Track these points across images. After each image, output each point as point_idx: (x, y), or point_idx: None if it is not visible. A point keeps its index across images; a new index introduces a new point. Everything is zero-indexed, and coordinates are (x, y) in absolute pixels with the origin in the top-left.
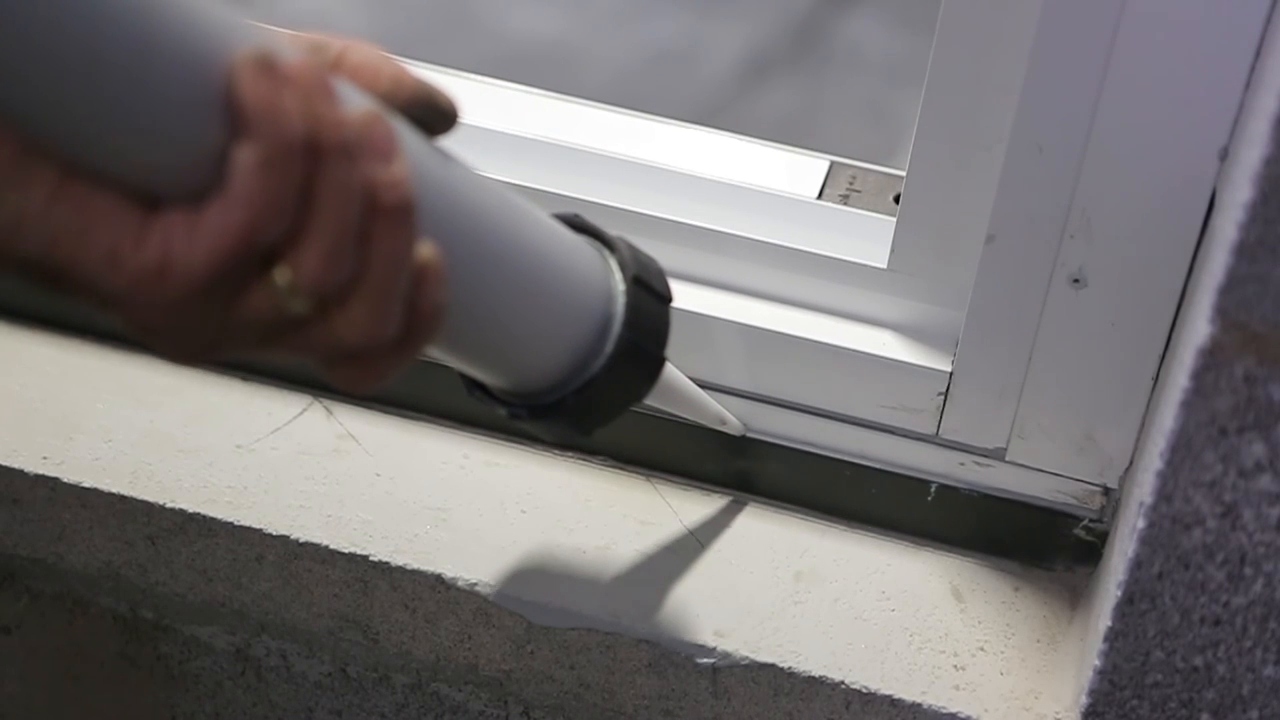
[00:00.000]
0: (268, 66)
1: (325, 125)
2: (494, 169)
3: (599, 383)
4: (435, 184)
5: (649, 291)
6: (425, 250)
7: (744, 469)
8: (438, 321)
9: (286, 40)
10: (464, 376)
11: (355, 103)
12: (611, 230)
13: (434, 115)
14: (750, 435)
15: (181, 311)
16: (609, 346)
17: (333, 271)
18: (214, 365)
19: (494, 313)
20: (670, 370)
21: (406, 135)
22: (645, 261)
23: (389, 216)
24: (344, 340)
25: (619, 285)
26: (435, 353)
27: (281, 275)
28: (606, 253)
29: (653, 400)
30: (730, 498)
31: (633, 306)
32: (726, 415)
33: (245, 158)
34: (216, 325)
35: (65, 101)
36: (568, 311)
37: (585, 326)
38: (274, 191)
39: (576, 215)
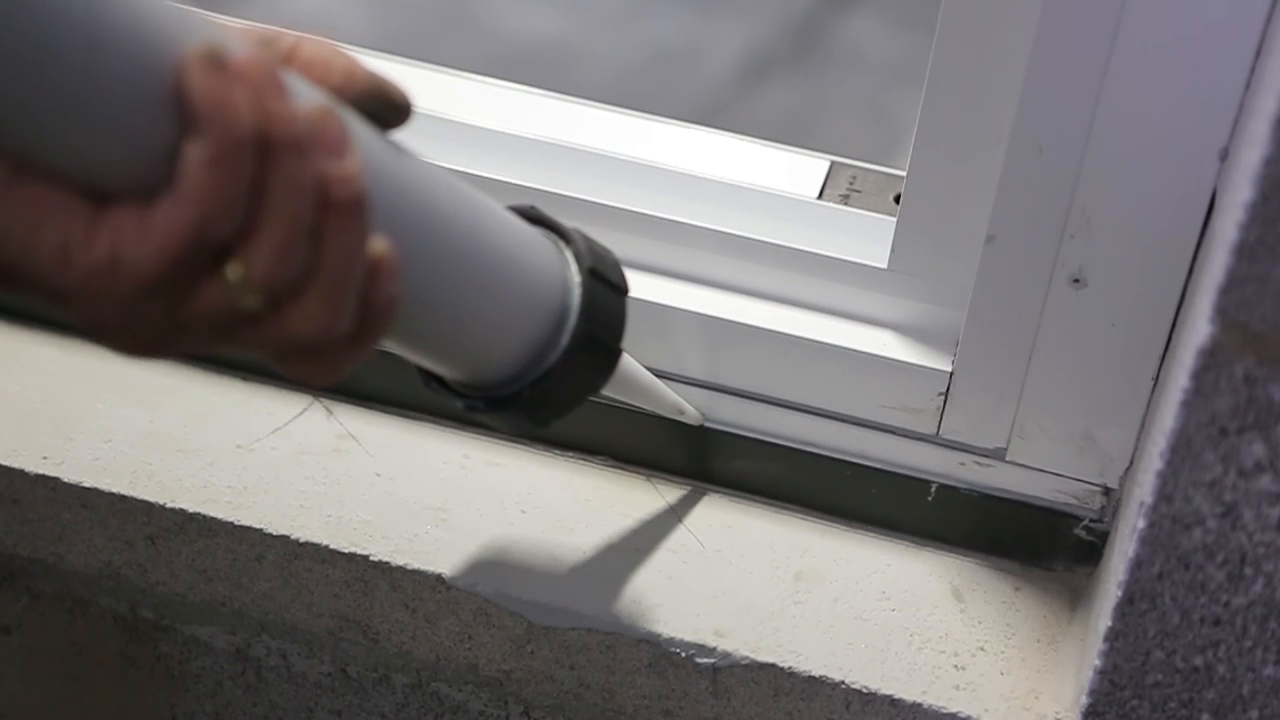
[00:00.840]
0: (217, 62)
1: (276, 120)
2: (494, 169)
3: (555, 374)
4: (388, 178)
5: (605, 283)
6: (378, 244)
7: (746, 466)
8: (391, 315)
9: (237, 35)
10: (420, 369)
11: (307, 97)
12: (613, 230)
13: (387, 109)
14: (712, 427)
15: (133, 307)
16: (565, 339)
17: (285, 267)
18: (212, 364)
19: (449, 306)
20: (627, 361)
21: (359, 129)
22: (601, 253)
23: (341, 211)
24: (297, 335)
25: (575, 277)
26: (390, 346)
27: (233, 271)
28: (562, 245)
29: (610, 391)
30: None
31: (588, 298)
32: (685, 405)
33: (195, 154)
34: (169, 321)
35: (14, 97)
36: (523, 304)
37: (541, 319)
38: (224, 188)
39: (532, 207)
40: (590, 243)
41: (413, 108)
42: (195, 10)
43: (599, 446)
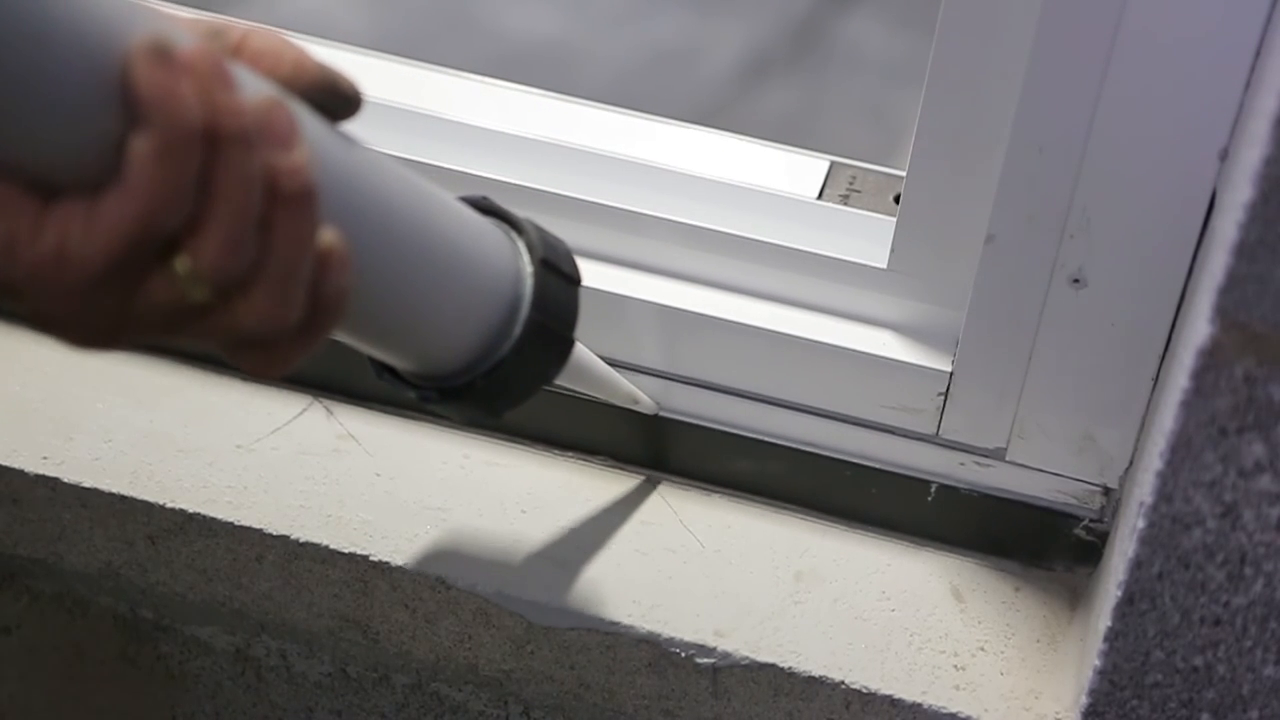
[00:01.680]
0: (163, 54)
1: (222, 112)
2: (494, 169)
3: (508, 364)
4: (338, 169)
5: (557, 273)
6: (328, 236)
7: (746, 466)
8: (342, 307)
9: (184, 27)
10: (372, 360)
11: (255, 89)
12: (613, 230)
13: (337, 101)
14: (665, 416)
15: (81, 300)
16: (517, 329)
17: (233, 259)
18: (212, 364)
19: (400, 297)
20: (581, 351)
21: (308, 121)
22: (553, 243)
23: (290, 203)
24: (247, 326)
25: (527, 267)
26: (342, 337)
27: (182, 263)
28: (514, 235)
29: (564, 381)
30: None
31: (540, 288)
32: (639, 395)
33: (141, 147)
34: (117, 313)
35: None
36: (475, 294)
37: (493, 309)
38: (171, 180)
39: (484, 198)
40: (542, 233)
41: (362, 99)
42: (142, 4)
43: (599, 446)
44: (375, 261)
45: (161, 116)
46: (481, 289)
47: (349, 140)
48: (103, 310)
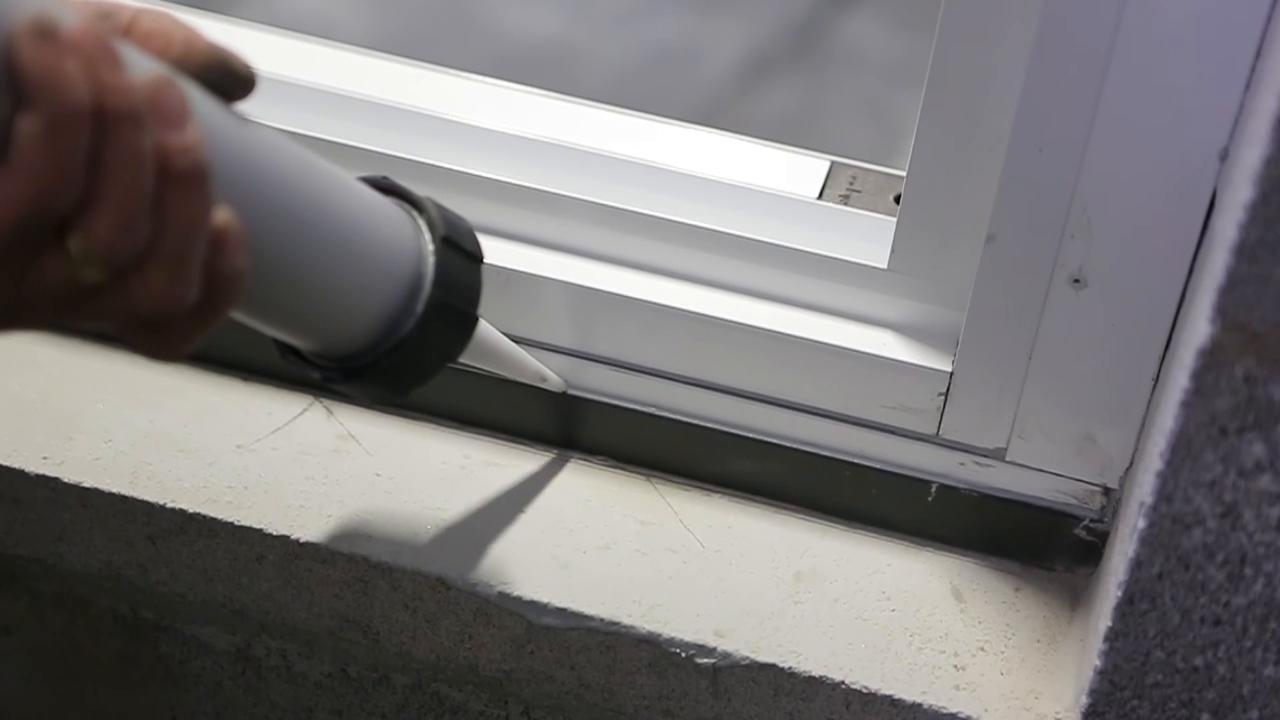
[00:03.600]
0: (48, 34)
1: (110, 91)
2: (494, 170)
3: (411, 342)
4: (232, 148)
5: (459, 251)
6: (222, 215)
7: (746, 466)
8: (238, 286)
9: (73, 7)
10: (276, 341)
11: (144, 68)
12: (612, 230)
13: (230, 80)
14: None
15: None
16: (420, 306)
17: (126, 238)
18: (212, 364)
19: (299, 276)
20: (485, 328)
21: (200, 100)
22: (454, 221)
23: (182, 182)
24: (142, 307)
25: (428, 245)
26: (242, 317)
27: (74, 243)
28: (415, 214)
29: (470, 359)
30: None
31: (442, 266)
32: (547, 373)
33: (28, 127)
34: (11, 295)
35: None
36: (375, 273)
37: (395, 287)
38: (59, 160)
39: (385, 177)
40: (443, 211)
41: (256, 79)
42: None
43: (599, 446)
44: (272, 240)
45: (47, 96)
46: (382, 267)
47: (243, 120)
48: None
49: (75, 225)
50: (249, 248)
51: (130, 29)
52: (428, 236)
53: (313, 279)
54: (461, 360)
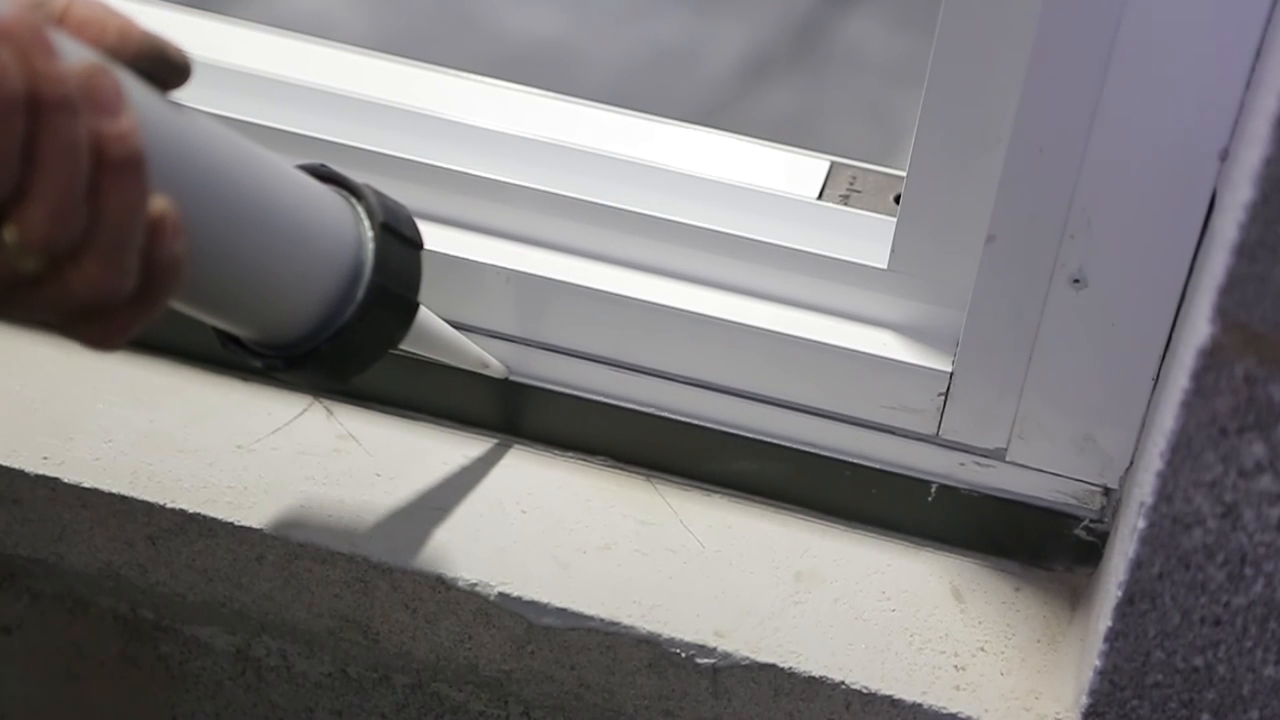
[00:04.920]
0: None
1: (44, 80)
2: (493, 169)
3: (352, 329)
4: (168, 136)
5: (398, 237)
6: (159, 203)
7: (746, 466)
8: (176, 275)
9: None
10: (216, 330)
11: (78, 56)
12: (612, 231)
13: (165, 68)
14: (517, 381)
15: None
16: (360, 293)
17: (62, 227)
18: (212, 364)
19: (237, 264)
20: (426, 314)
21: (135, 88)
22: (393, 208)
23: (118, 170)
24: (79, 296)
25: (367, 232)
26: (181, 306)
27: (9, 233)
28: (354, 201)
29: (411, 345)
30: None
31: (381, 252)
32: (489, 359)
33: None
34: None
35: None
36: (315, 260)
37: (334, 274)
38: None
39: (322, 165)
40: (382, 198)
41: (192, 67)
42: None
43: (599, 446)
44: (210, 228)
45: None
46: (321, 255)
47: (179, 107)
48: None
49: (10, 215)
50: (187, 236)
51: (63, 17)
52: (367, 223)
53: (252, 267)
54: (402, 347)
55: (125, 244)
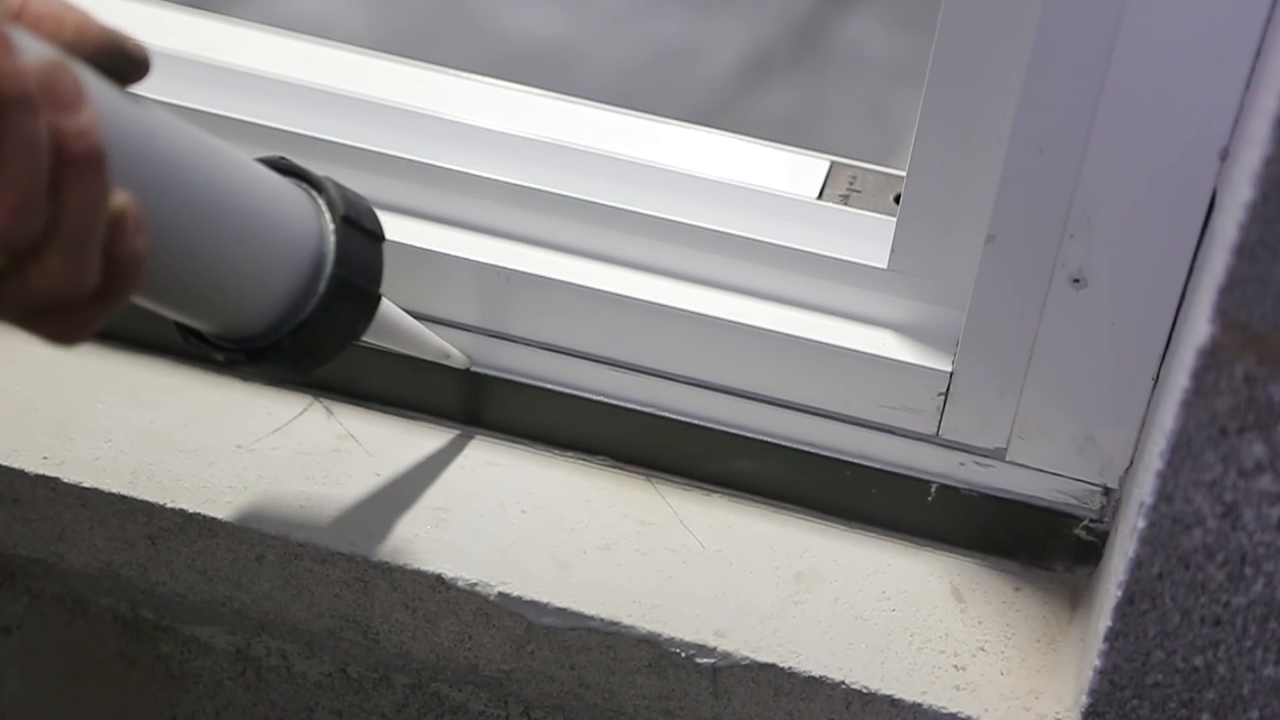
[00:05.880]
0: None
1: (2, 77)
2: (494, 169)
3: (314, 322)
4: (129, 132)
5: (359, 230)
6: (121, 198)
7: (746, 466)
8: (138, 270)
9: None
10: (177, 324)
11: (37, 52)
12: (612, 231)
13: (125, 63)
14: (478, 370)
15: None
16: (322, 286)
17: (23, 224)
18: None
19: (199, 259)
20: (387, 306)
21: (95, 84)
22: (354, 200)
23: (79, 166)
24: (42, 293)
25: (329, 225)
26: (143, 301)
27: None
28: (315, 194)
29: (373, 337)
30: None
31: (343, 245)
32: (450, 350)
33: None
34: None
35: None
36: (276, 253)
37: (296, 268)
38: None
39: (282, 158)
40: (343, 190)
41: (150, 61)
42: None
43: (599, 446)
44: (171, 223)
45: None
46: (282, 247)
47: (139, 102)
48: None
49: None
50: (148, 231)
51: (20, 13)
52: (328, 216)
53: (213, 261)
54: (365, 339)
55: (87, 240)
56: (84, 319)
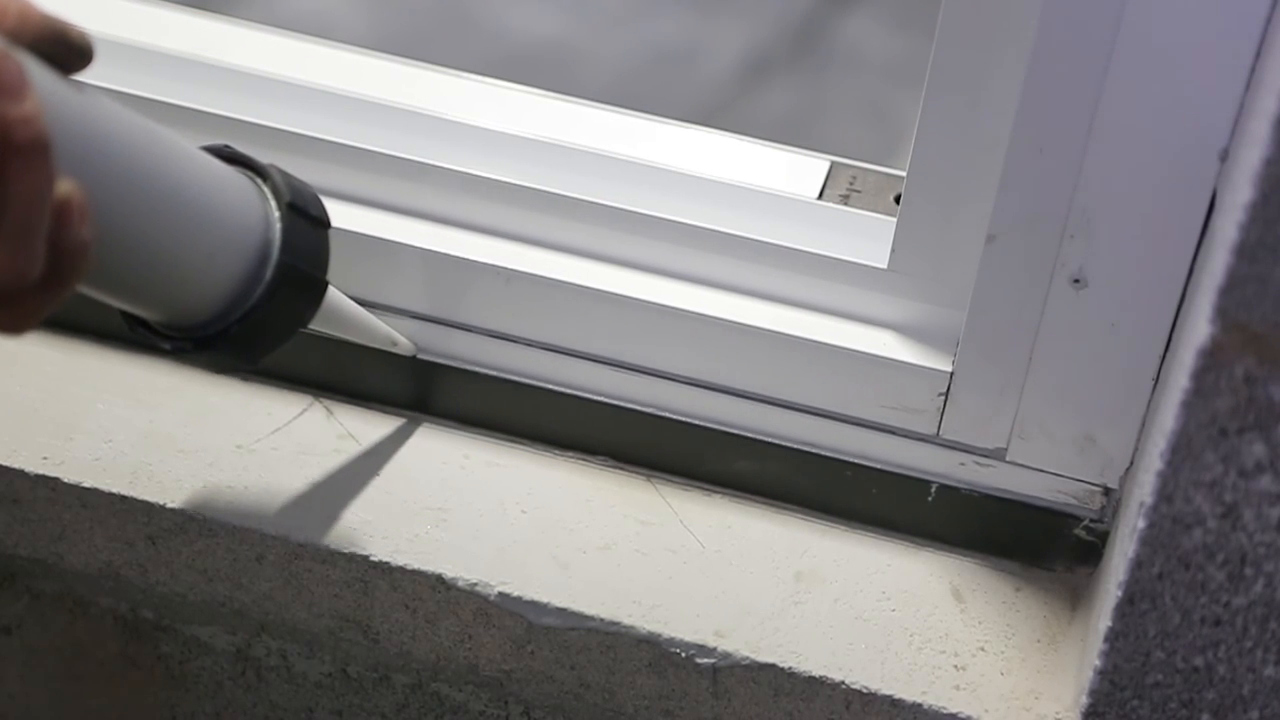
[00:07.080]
0: None
1: None
2: (494, 169)
3: (261, 310)
4: (72, 120)
5: (305, 216)
6: (65, 187)
7: (746, 466)
8: (84, 259)
9: None
10: (124, 313)
11: None
12: (612, 231)
13: (67, 51)
14: (426, 358)
15: None
16: (268, 273)
17: None
18: None
19: (144, 247)
20: (334, 294)
21: (37, 72)
22: (299, 187)
23: (23, 154)
24: None
25: (274, 213)
26: (89, 290)
27: None
28: (260, 181)
29: (320, 325)
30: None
31: (289, 232)
32: (397, 337)
33: None
34: None
35: None
36: (222, 241)
37: (242, 255)
38: None
39: (227, 146)
40: (288, 178)
41: (93, 50)
42: None
43: (599, 446)
44: (116, 211)
45: None
46: (228, 235)
47: (82, 91)
48: None
49: None
50: (93, 219)
51: None
52: (273, 203)
53: (158, 249)
54: (312, 326)
55: (32, 229)
56: (29, 309)
